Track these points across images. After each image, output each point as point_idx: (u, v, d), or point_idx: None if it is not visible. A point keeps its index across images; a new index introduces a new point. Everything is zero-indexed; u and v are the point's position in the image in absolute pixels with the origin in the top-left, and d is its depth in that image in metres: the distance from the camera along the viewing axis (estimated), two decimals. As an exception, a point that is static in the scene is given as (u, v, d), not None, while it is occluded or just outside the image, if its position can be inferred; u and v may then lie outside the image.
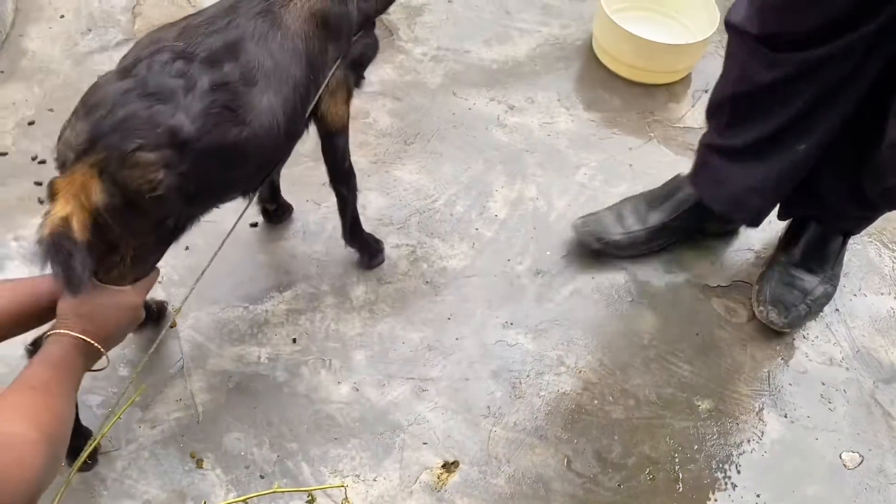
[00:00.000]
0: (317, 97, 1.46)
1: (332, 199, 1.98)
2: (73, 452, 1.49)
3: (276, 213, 1.92)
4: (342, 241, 1.90)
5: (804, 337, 1.87)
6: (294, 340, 1.73)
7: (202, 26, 1.27)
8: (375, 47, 1.64)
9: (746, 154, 1.69)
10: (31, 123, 2.04)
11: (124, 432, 1.55)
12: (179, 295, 1.78)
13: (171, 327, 1.72)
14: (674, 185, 1.95)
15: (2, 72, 2.16)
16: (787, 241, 1.92)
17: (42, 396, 1.05)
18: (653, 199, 1.96)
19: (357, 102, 2.22)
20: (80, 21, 2.33)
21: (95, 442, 1.45)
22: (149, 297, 1.70)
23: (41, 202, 1.83)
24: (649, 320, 1.86)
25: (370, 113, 2.23)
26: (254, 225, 1.94)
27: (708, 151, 1.81)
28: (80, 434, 1.49)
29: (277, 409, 1.62)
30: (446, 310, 1.83)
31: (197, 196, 1.26)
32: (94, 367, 1.22)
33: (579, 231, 1.92)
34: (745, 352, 1.82)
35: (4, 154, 1.97)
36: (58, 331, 1.15)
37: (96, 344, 1.17)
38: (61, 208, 1.11)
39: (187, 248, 1.84)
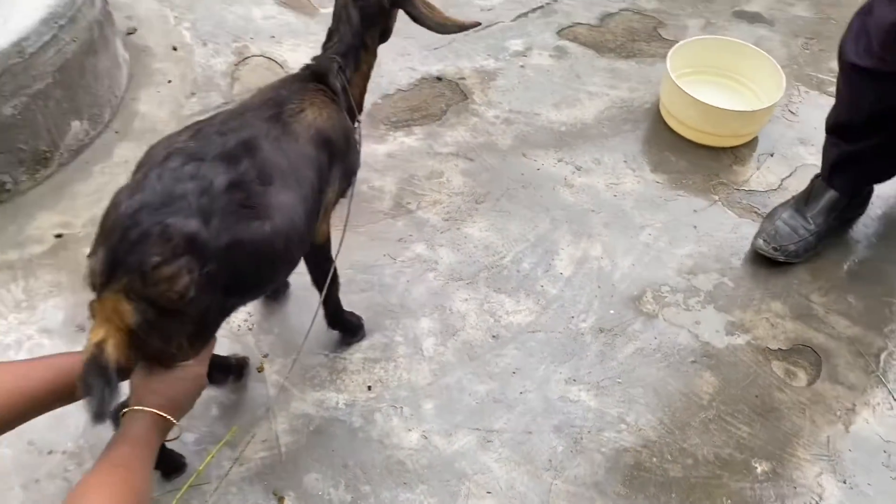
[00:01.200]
0: (324, 205, 1.51)
1: (406, 255, 2.14)
2: (168, 476, 1.66)
3: None
4: (416, 295, 2.05)
5: (866, 403, 1.89)
6: (369, 388, 1.86)
7: (216, 126, 1.33)
8: (359, 160, 1.69)
9: (869, 154, 2.08)
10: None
11: (215, 468, 1.70)
12: (265, 341, 1.94)
13: (259, 371, 1.88)
14: (815, 190, 2.19)
15: (117, 132, 2.40)
16: None
17: (124, 474, 1.14)
18: (802, 205, 2.19)
19: (432, 163, 2.39)
20: (184, 85, 2.57)
21: (192, 479, 1.60)
22: (231, 353, 1.86)
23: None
24: (709, 381, 1.92)
25: (444, 173, 2.38)
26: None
27: (836, 160, 2.13)
28: (173, 461, 1.67)
29: (353, 452, 1.75)
30: (511, 364, 1.93)
31: (234, 287, 1.28)
32: (168, 438, 1.30)
33: (765, 251, 2.13)
34: (804, 415, 1.86)
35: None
36: (134, 407, 1.23)
37: (170, 417, 1.26)
38: (95, 333, 1.17)
39: (275, 299, 2.01)
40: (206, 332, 1.34)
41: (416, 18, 1.64)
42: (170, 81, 2.58)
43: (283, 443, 1.75)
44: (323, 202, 1.51)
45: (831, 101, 2.59)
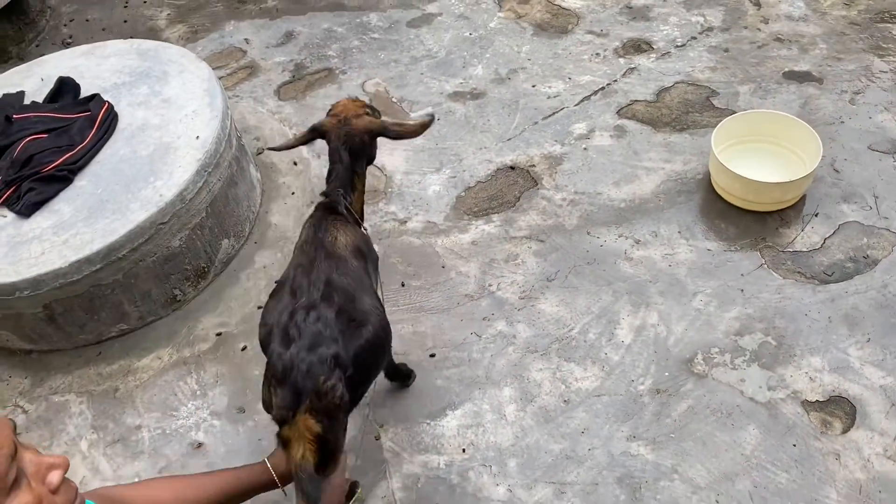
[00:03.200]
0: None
1: (489, 332, 2.58)
2: None
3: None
4: (498, 367, 2.48)
5: (898, 448, 2.15)
6: (464, 450, 2.31)
7: (305, 281, 1.83)
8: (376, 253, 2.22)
9: None
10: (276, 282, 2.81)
11: (348, 520, 2.20)
12: (381, 413, 2.43)
13: (377, 440, 2.37)
14: None
15: (255, 242, 2.99)
16: None
17: None
18: None
19: (509, 246, 2.82)
20: (305, 196, 3.13)
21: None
22: (350, 435, 2.34)
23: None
24: (752, 433, 2.23)
25: (519, 255, 2.80)
26: (432, 356, 2.56)
27: None
28: None
29: (453, 504, 2.20)
30: (581, 424, 2.32)
31: (362, 379, 1.82)
32: None
33: None
34: (838, 461, 2.13)
35: (261, 307, 2.76)
36: None
37: None
38: (296, 451, 1.64)
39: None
40: (347, 421, 1.85)
41: (396, 138, 2.14)
42: (293, 193, 3.16)
43: (398, 498, 2.22)
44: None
45: (876, 157, 2.84)
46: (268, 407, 1.77)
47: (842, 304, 2.48)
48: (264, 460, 1.74)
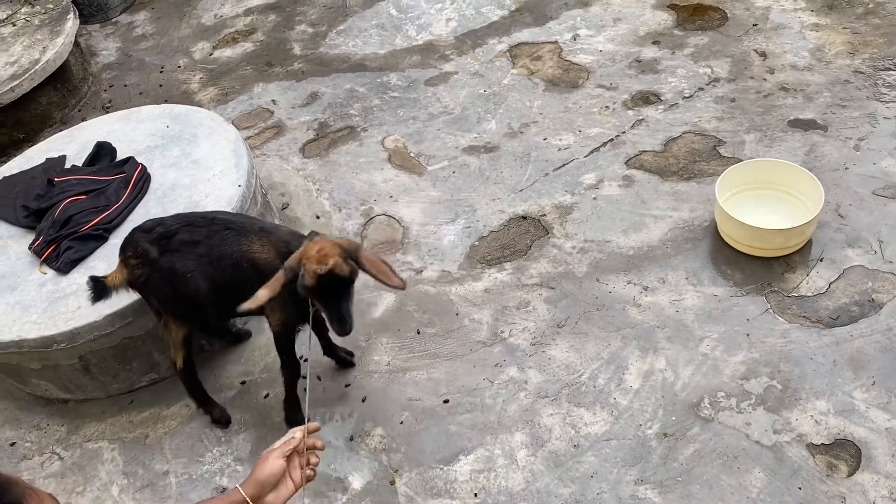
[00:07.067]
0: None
1: (501, 378, 2.66)
2: None
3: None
4: (510, 412, 2.55)
5: (904, 491, 2.17)
6: (475, 495, 2.38)
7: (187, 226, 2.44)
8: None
9: None
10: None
11: (363, 563, 2.27)
12: (395, 459, 2.51)
13: (392, 484, 2.45)
14: None
15: (278, 294, 3.13)
16: None
17: None
18: None
19: (520, 294, 2.92)
20: (325, 248, 3.28)
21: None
22: (368, 469, 2.43)
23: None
24: (758, 476, 2.27)
25: (530, 302, 2.89)
26: (446, 402, 2.64)
27: None
28: None
29: (464, 548, 2.26)
30: (589, 469, 2.38)
31: (173, 295, 2.40)
32: None
33: None
34: (844, 505, 2.16)
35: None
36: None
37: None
38: (111, 276, 2.44)
39: (402, 423, 2.59)
40: (177, 323, 2.51)
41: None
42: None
43: (411, 542, 2.30)
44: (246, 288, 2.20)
45: (881, 202, 2.90)
46: None
47: (847, 348, 2.52)
48: (237, 487, 1.72)
